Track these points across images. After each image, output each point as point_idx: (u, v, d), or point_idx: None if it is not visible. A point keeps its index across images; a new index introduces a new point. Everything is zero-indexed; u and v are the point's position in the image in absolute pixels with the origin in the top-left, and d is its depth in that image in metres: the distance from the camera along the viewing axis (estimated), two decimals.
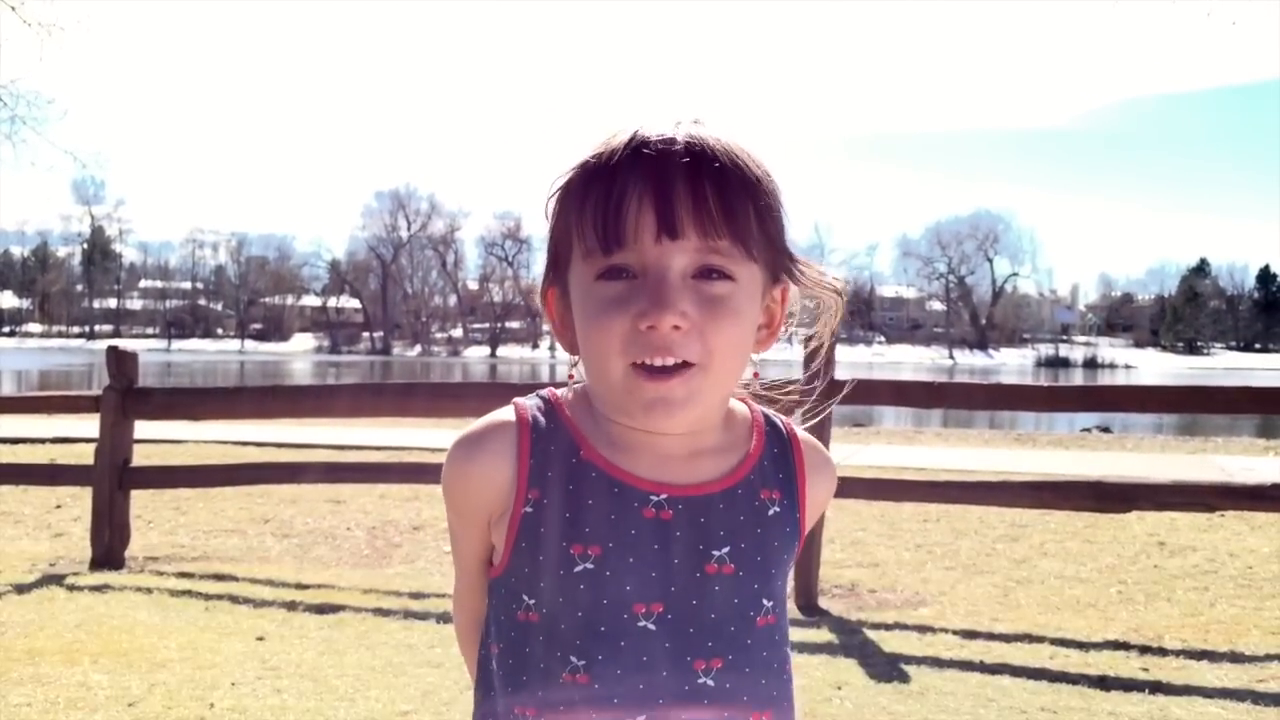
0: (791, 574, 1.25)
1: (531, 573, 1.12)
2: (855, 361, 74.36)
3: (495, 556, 1.18)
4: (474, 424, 1.18)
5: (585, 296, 1.11)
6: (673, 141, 1.08)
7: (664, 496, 1.13)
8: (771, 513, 1.17)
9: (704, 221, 1.06)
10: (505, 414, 1.17)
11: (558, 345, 1.21)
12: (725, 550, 1.13)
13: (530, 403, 1.18)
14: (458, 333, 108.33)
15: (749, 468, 1.18)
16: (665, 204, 1.06)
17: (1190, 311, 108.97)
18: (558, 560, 1.11)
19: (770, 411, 1.25)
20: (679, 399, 1.08)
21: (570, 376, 1.20)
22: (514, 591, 1.14)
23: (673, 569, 1.12)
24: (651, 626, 1.10)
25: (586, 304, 1.10)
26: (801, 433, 1.25)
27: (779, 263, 1.15)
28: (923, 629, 5.47)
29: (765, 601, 1.15)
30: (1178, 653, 5.12)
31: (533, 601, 1.13)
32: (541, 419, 1.16)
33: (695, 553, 1.12)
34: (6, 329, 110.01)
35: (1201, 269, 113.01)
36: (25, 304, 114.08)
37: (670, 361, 1.07)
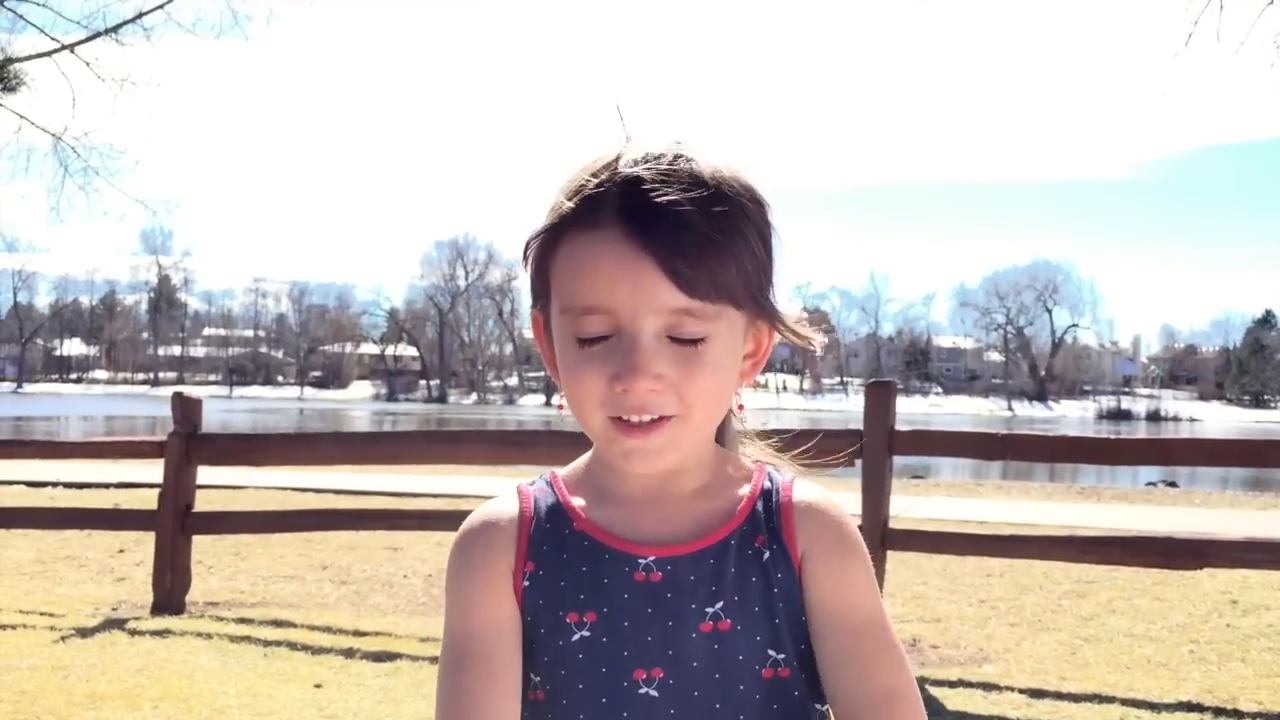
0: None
1: (535, 648, 1.11)
2: (912, 413, 73.57)
3: None
4: (474, 514, 1.18)
5: (564, 347, 1.10)
6: (643, 192, 1.04)
7: (652, 559, 1.10)
8: (765, 558, 1.12)
9: (675, 281, 1.03)
10: (508, 496, 1.18)
11: None
12: (719, 605, 1.09)
13: (532, 487, 1.19)
14: (513, 381, 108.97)
15: (741, 519, 1.13)
16: (648, 265, 1.03)
17: (1256, 364, 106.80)
18: (555, 630, 1.10)
19: (775, 465, 1.21)
20: (657, 448, 1.08)
21: (560, 406, 1.18)
22: (524, 671, 1.12)
23: (668, 631, 1.08)
24: (654, 693, 1.07)
25: (565, 355, 1.10)
26: (795, 478, 1.18)
27: (760, 297, 1.10)
28: (988, 687, 5.35)
29: (771, 653, 1.09)
30: (1254, 715, 4.96)
31: (538, 679, 1.11)
32: (541, 499, 1.17)
33: (689, 612, 1.09)
34: (74, 376, 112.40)
35: (1267, 320, 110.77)
36: (93, 351, 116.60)
37: (647, 418, 1.06)
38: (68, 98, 15.80)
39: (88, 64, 15.51)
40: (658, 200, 1.03)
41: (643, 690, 1.07)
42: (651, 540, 1.12)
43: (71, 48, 15.48)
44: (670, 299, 1.03)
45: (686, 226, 1.03)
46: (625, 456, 1.09)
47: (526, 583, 1.12)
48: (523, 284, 1.19)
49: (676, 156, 1.06)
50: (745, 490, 1.16)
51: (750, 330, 1.13)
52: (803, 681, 1.11)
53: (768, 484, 1.17)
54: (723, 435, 1.20)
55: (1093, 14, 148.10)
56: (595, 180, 1.06)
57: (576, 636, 1.09)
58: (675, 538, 1.12)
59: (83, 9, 15.70)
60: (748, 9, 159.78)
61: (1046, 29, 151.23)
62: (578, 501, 1.16)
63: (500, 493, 1.20)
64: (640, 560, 1.10)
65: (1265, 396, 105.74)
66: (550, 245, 1.09)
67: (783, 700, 1.10)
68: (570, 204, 1.07)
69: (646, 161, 1.05)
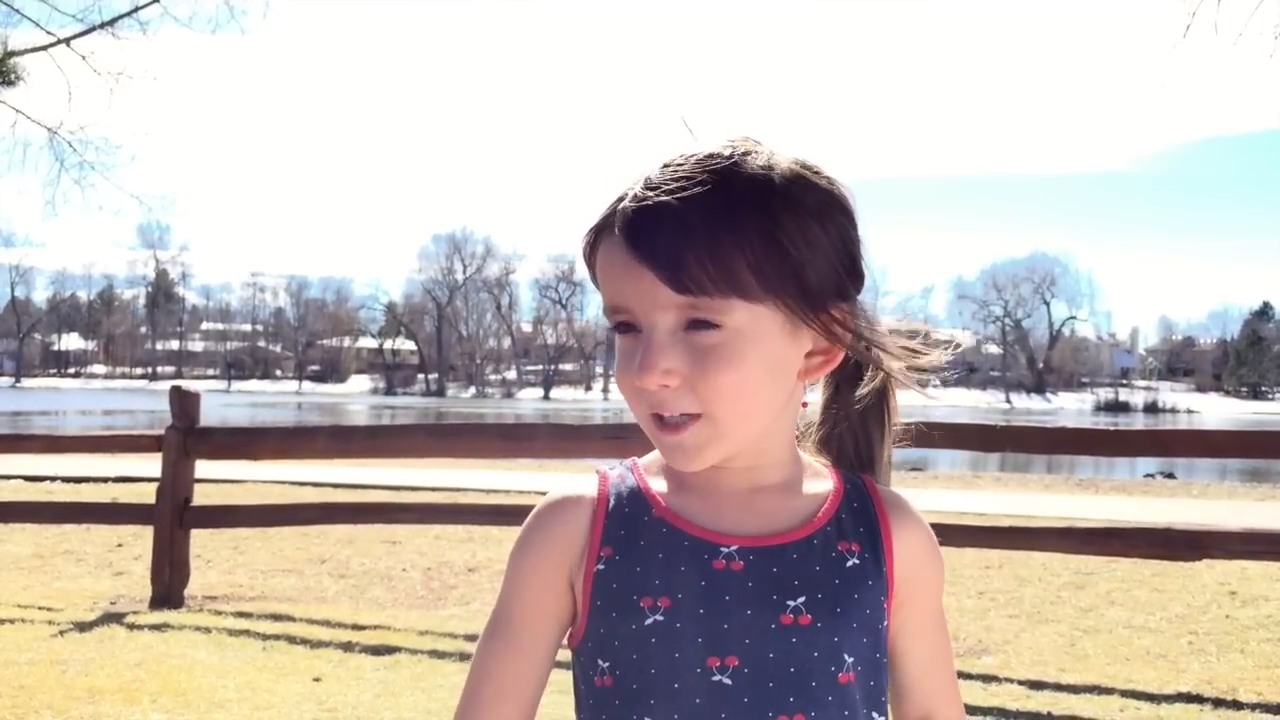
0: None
1: (606, 632, 1.11)
2: (909, 404, 73.44)
3: (575, 621, 1.16)
4: (549, 494, 1.19)
5: (616, 343, 1.14)
6: (644, 194, 1.06)
7: (734, 548, 1.11)
8: (850, 564, 1.13)
9: (678, 279, 1.03)
10: (587, 477, 1.19)
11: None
12: (801, 600, 1.09)
13: (613, 470, 1.19)
14: (511, 375, 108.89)
15: (826, 519, 1.15)
16: (642, 266, 1.05)
17: (1254, 356, 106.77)
18: (628, 614, 1.09)
19: (847, 471, 1.23)
20: (690, 447, 1.09)
21: None
22: (591, 656, 1.12)
23: (746, 620, 1.08)
24: (727, 681, 1.07)
25: (616, 350, 1.14)
26: (881, 487, 1.22)
27: (788, 290, 1.06)
28: (987, 679, 5.34)
29: (846, 657, 1.10)
30: (1253, 706, 4.96)
31: (607, 664, 1.10)
32: (619, 485, 1.17)
33: (769, 603, 1.09)
34: (72, 370, 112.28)
35: (1265, 312, 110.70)
36: (90, 345, 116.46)
37: (675, 415, 1.07)
38: (64, 92, 15.78)
39: (84, 58, 15.48)
40: (653, 200, 1.05)
41: (716, 678, 1.07)
42: (732, 531, 1.12)
43: (67, 41, 15.43)
44: (669, 296, 1.05)
45: (674, 223, 1.04)
46: (668, 454, 1.11)
47: (600, 567, 1.12)
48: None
49: (710, 155, 1.06)
50: (825, 489, 1.18)
51: (810, 328, 1.10)
52: (869, 688, 1.13)
53: (849, 486, 1.19)
54: None
55: (1090, 7, 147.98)
56: (619, 191, 1.09)
57: (650, 621, 1.08)
58: (758, 530, 1.12)
59: (79, 3, 15.67)
60: (744, 4, 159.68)
61: (1044, 22, 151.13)
62: (658, 488, 1.16)
63: (565, 479, 1.20)
64: (722, 549, 1.10)
65: (1262, 388, 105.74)
66: (593, 249, 1.12)
67: (848, 705, 1.10)
68: (603, 211, 1.11)
69: (670, 164, 1.07)
